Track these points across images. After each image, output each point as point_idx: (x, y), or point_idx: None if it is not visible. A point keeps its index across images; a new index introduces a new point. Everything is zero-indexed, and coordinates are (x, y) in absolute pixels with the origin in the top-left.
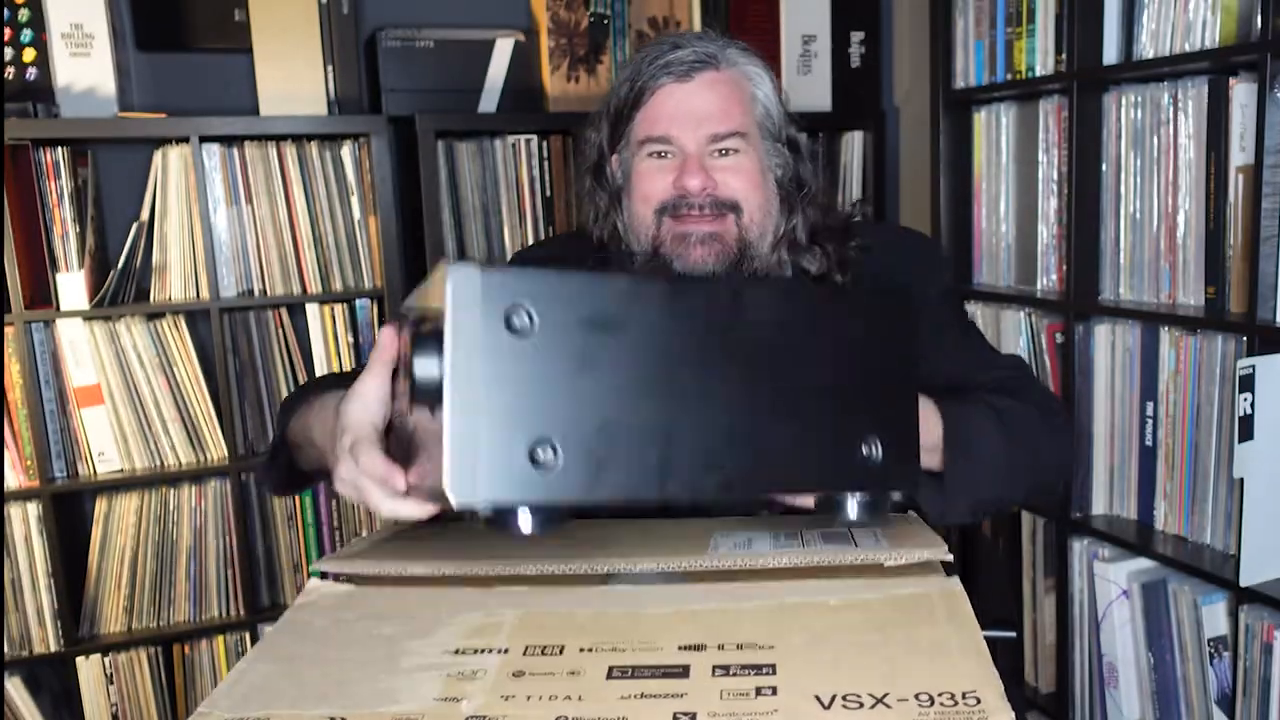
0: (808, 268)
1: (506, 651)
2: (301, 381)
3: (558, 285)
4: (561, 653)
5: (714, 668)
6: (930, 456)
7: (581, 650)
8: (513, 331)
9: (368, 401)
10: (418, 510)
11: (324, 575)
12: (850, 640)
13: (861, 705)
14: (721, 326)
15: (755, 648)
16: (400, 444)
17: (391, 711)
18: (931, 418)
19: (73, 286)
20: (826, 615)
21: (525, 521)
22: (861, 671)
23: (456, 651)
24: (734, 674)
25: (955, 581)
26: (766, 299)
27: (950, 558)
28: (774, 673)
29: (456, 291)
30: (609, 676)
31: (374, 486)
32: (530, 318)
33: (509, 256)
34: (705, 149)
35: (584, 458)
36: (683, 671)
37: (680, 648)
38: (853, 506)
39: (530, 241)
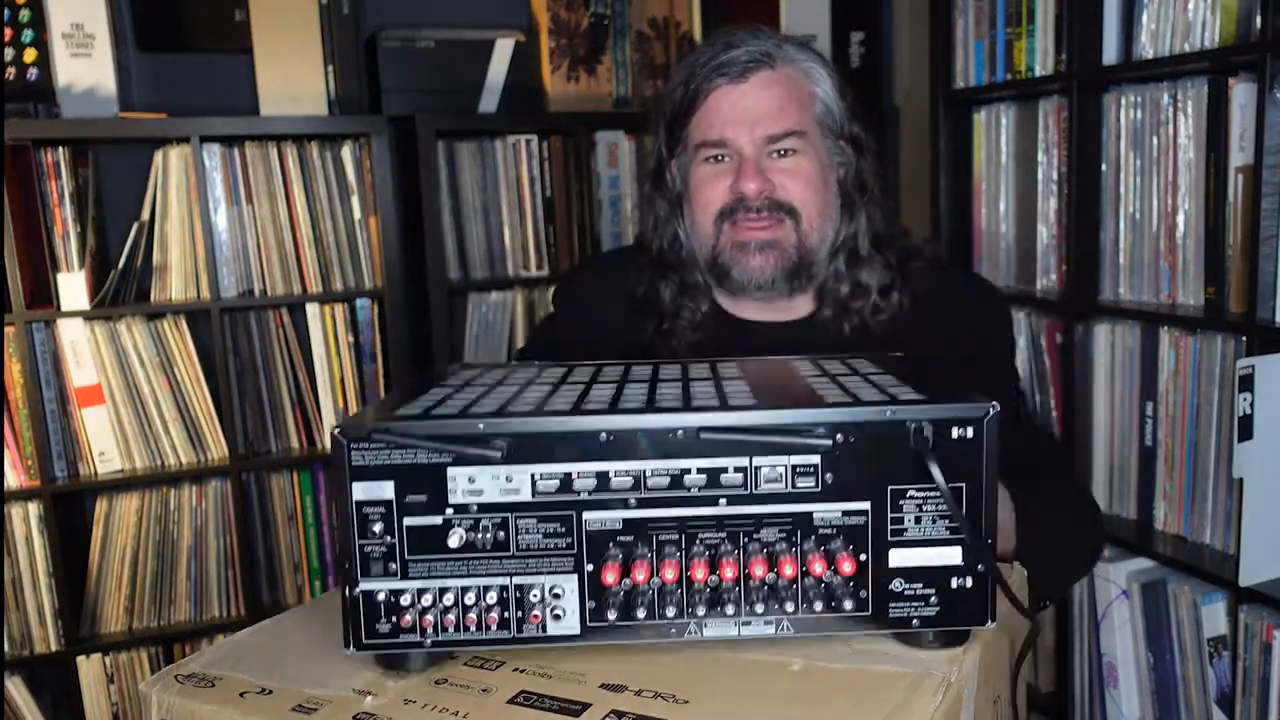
0: (867, 282)
1: (454, 656)
2: (300, 381)
3: None
4: (497, 668)
5: (611, 712)
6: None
7: (516, 669)
8: None
9: None
10: None
11: None
12: (768, 710)
13: None
14: None
15: (670, 700)
16: None
17: (307, 692)
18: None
19: (73, 286)
20: (774, 678)
21: None
22: None
23: None
24: None
25: (950, 665)
26: None
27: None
28: None
29: None
30: (511, 700)
31: None
32: None
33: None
34: (762, 150)
35: None
36: (579, 710)
37: (601, 685)
38: None
39: (531, 241)
